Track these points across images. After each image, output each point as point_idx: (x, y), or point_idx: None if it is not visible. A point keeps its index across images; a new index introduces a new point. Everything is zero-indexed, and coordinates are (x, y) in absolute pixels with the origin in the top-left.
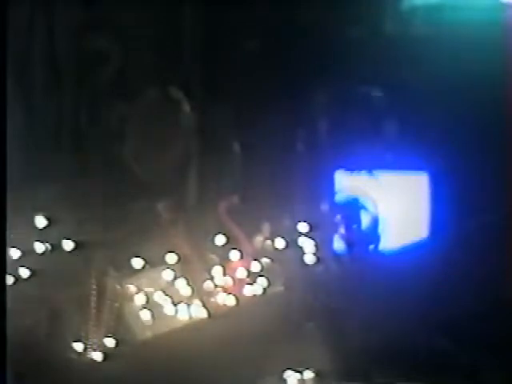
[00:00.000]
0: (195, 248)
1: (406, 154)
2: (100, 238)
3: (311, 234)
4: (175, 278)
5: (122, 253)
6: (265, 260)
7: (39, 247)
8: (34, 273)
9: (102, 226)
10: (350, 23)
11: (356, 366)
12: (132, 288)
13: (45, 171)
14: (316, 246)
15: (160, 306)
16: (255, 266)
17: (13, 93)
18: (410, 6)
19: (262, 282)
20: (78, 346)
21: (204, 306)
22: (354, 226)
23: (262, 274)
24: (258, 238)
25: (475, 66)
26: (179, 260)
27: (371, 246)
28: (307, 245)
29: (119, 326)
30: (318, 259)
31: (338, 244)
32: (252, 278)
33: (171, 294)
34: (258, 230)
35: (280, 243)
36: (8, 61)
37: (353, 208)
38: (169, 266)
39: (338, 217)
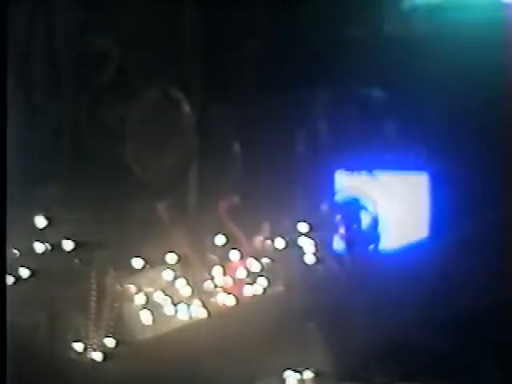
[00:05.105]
0: (195, 248)
1: (406, 154)
2: (100, 238)
3: (311, 234)
4: (175, 278)
5: (122, 253)
6: (265, 260)
7: (39, 247)
8: (33, 273)
9: (102, 226)
10: (350, 23)
11: (356, 366)
12: (132, 288)
13: (45, 171)
14: (316, 246)
15: (160, 306)
16: (255, 266)
17: (13, 93)
18: (410, 5)
19: (261, 282)
20: (78, 346)
21: (204, 306)
22: (354, 226)
23: (262, 273)
24: (258, 238)
25: (475, 65)
26: (179, 260)
27: (371, 246)
28: (307, 245)
29: (119, 326)
30: (318, 259)
31: (338, 244)
32: (252, 278)
33: (171, 294)
34: (258, 230)
35: (280, 243)
36: (8, 60)
37: (353, 208)
38: (169, 266)
39: (338, 217)
